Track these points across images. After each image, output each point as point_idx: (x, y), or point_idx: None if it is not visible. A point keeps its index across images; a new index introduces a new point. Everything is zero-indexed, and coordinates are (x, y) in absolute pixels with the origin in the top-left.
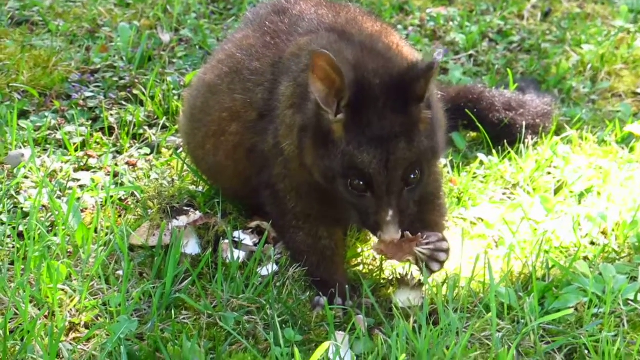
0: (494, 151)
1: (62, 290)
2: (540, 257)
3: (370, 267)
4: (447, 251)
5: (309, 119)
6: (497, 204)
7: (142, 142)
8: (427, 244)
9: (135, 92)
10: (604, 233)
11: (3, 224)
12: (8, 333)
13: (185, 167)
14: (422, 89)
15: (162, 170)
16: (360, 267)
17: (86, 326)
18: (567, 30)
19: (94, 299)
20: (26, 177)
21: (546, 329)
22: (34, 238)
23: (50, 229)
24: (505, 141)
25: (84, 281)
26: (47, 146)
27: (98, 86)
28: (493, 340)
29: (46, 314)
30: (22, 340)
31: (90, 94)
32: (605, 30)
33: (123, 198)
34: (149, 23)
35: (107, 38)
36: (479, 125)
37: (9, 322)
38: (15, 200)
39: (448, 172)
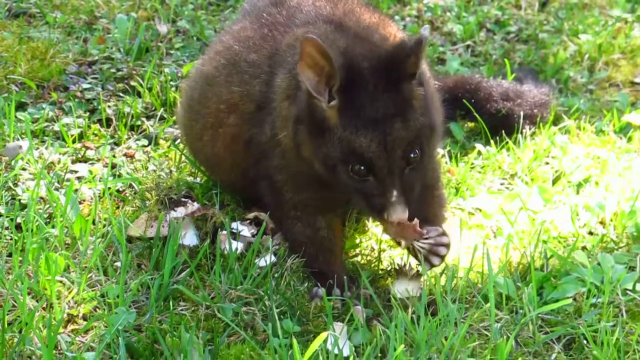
0: (491, 141)
1: (60, 282)
2: (538, 247)
3: (369, 257)
4: (447, 245)
5: (302, 109)
6: (495, 194)
7: (140, 133)
8: (427, 238)
9: (132, 83)
10: (602, 223)
11: (1, 215)
12: (6, 325)
13: (183, 159)
14: (413, 66)
15: (160, 162)
16: (359, 258)
17: (84, 318)
18: (565, 20)
19: (92, 290)
20: (24, 169)
21: (545, 319)
22: (32, 230)
23: (48, 220)
24: (503, 131)
25: (82, 273)
26: (45, 138)
27: (95, 78)
28: (492, 331)
29: (44, 305)
30: (20, 332)
31: (88, 86)
32: (602, 20)
33: (121, 189)
34: (147, 14)
35: (104, 29)
36: (477, 116)
37: (7, 314)
38: (13, 192)
39: (446, 163)
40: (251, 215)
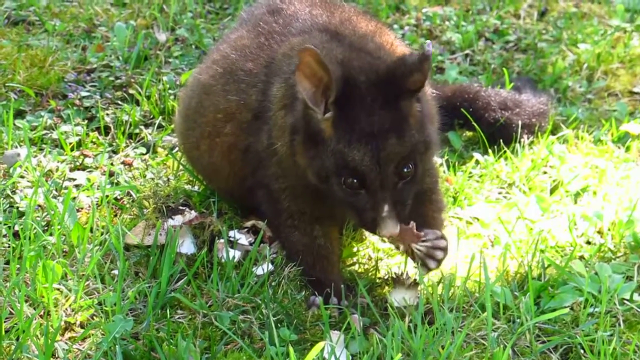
0: (489, 150)
1: (58, 289)
2: (536, 256)
3: (366, 266)
4: (444, 249)
5: (298, 120)
6: (493, 203)
7: (138, 141)
8: (424, 241)
9: (131, 91)
10: (599, 232)
11: None
12: (3, 332)
13: (181, 167)
14: (416, 82)
15: (158, 170)
16: (356, 267)
17: (81, 325)
18: (564, 29)
19: (90, 298)
20: (22, 177)
21: (542, 328)
22: (30, 237)
23: (45, 228)
24: (501, 140)
25: (80, 280)
26: (43, 146)
27: (94, 86)
28: (488, 340)
29: (41, 313)
30: (17, 339)
31: (86, 94)
32: (601, 30)
33: (119, 197)
34: (145, 22)
35: (103, 37)
36: (475, 125)
37: (4, 322)
38: (11, 199)
39: (444, 172)
40: (249, 223)
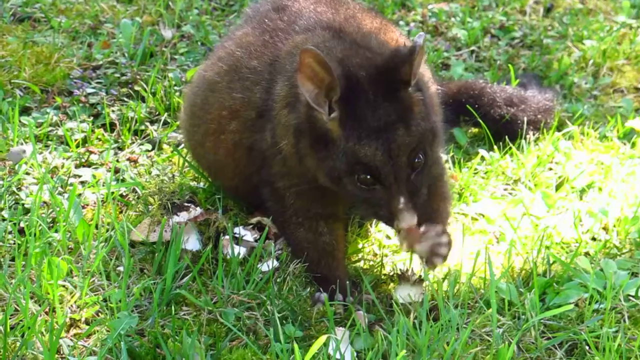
0: (495, 147)
1: (63, 286)
2: (541, 252)
3: (371, 262)
4: (447, 244)
5: (302, 122)
6: (498, 199)
7: (144, 138)
8: (426, 239)
9: (136, 88)
10: (605, 229)
11: (4, 220)
12: (9, 329)
13: (187, 164)
14: (407, 73)
15: (163, 167)
16: (361, 263)
17: (87, 322)
18: (569, 25)
19: (95, 295)
20: (27, 174)
21: (547, 324)
22: (35, 234)
23: (51, 225)
24: (507, 137)
25: (85, 277)
26: (49, 142)
27: (100, 82)
28: (493, 336)
29: (47, 310)
30: (22, 336)
31: (92, 90)
32: (607, 26)
33: (124, 194)
34: (151, 19)
35: (109, 34)
36: (480, 121)
37: (10, 318)
38: (17, 196)
39: (450, 168)
40: (254, 220)
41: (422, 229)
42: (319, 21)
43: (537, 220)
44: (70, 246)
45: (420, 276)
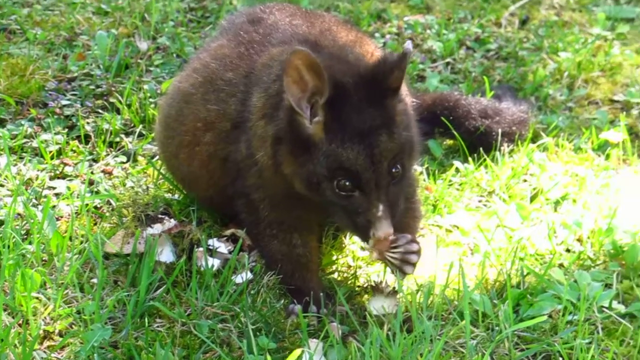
0: (469, 159)
1: (37, 298)
2: (515, 264)
3: (345, 274)
4: (417, 252)
5: (283, 128)
6: (473, 211)
7: (119, 150)
8: (396, 247)
9: (112, 100)
10: (579, 240)
11: None
12: None
13: (161, 175)
14: (396, 80)
15: (138, 178)
16: (335, 275)
17: (60, 334)
18: (545, 37)
19: (68, 307)
20: (1, 185)
21: (520, 336)
22: (9, 246)
23: (25, 237)
24: (481, 149)
25: (59, 289)
26: (23, 154)
27: (75, 94)
28: (467, 348)
29: (20, 322)
30: None
31: (67, 102)
32: (582, 38)
33: (98, 206)
34: (127, 31)
35: (84, 46)
36: (455, 133)
37: None
38: None
39: (424, 180)
40: (228, 232)
41: (392, 237)
42: (295, 34)
43: (511, 231)
44: (44, 258)
45: (394, 288)
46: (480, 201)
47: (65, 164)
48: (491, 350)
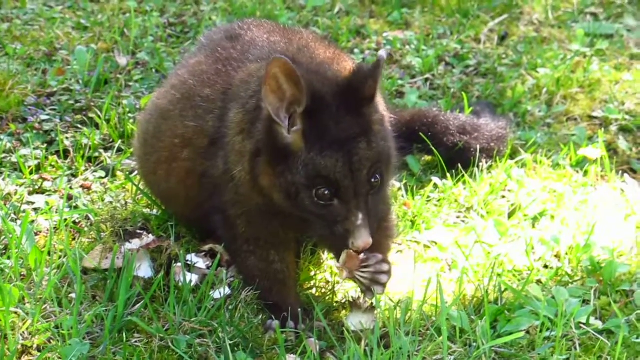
0: (448, 175)
1: (15, 313)
2: (493, 280)
3: (323, 290)
4: (388, 272)
5: (261, 140)
6: (451, 227)
7: (97, 165)
8: (367, 266)
9: (91, 115)
10: (557, 256)
11: None
12: None
13: (139, 191)
14: (371, 88)
15: (117, 194)
16: (313, 291)
17: (38, 349)
18: (524, 54)
19: (47, 321)
20: None
21: (498, 352)
22: None
23: (3, 252)
24: (460, 165)
25: (37, 304)
26: (2, 169)
27: (54, 109)
28: None
29: None
30: None
31: (46, 117)
32: (561, 54)
33: (77, 221)
34: (106, 46)
35: (63, 61)
36: (434, 149)
37: None
38: None
39: (402, 196)
40: (206, 247)
41: (362, 256)
42: (273, 50)
43: (489, 248)
44: (22, 273)
45: (371, 304)
46: (458, 217)
47: (44, 179)
48: None
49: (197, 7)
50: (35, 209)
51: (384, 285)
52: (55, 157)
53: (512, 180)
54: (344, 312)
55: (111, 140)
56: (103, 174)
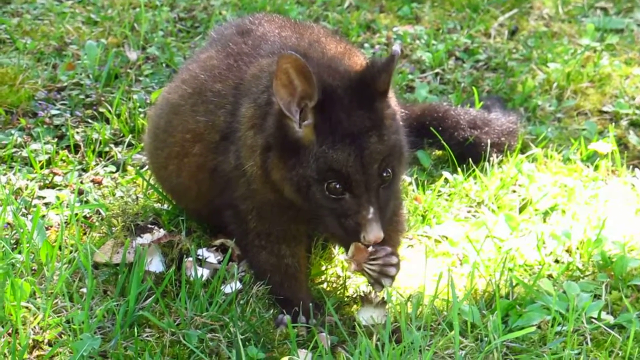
0: (458, 169)
1: (26, 307)
2: (504, 275)
3: (334, 284)
4: (396, 265)
5: (272, 134)
6: (462, 221)
7: (108, 159)
8: (375, 259)
9: (101, 109)
10: (568, 251)
11: None
12: None
13: (150, 186)
14: (384, 83)
15: (127, 188)
16: (324, 285)
17: (49, 344)
18: (534, 48)
19: (58, 316)
20: None
21: (509, 346)
22: None
23: (14, 246)
24: (470, 159)
25: (48, 299)
26: (13, 164)
27: (64, 104)
28: (456, 358)
29: (9, 331)
30: None
31: (57, 112)
32: (571, 49)
33: (88, 216)
34: (116, 41)
35: (74, 56)
36: (444, 144)
37: None
38: None
39: (413, 190)
40: (217, 242)
41: (371, 249)
42: (284, 45)
43: (500, 242)
44: (33, 267)
45: (383, 298)
46: (469, 212)
47: (55, 174)
48: None
49: (207, 1)
50: (46, 204)
51: (392, 277)
52: (65, 152)
53: (522, 175)
54: (355, 306)
55: (122, 134)
56: (114, 168)
